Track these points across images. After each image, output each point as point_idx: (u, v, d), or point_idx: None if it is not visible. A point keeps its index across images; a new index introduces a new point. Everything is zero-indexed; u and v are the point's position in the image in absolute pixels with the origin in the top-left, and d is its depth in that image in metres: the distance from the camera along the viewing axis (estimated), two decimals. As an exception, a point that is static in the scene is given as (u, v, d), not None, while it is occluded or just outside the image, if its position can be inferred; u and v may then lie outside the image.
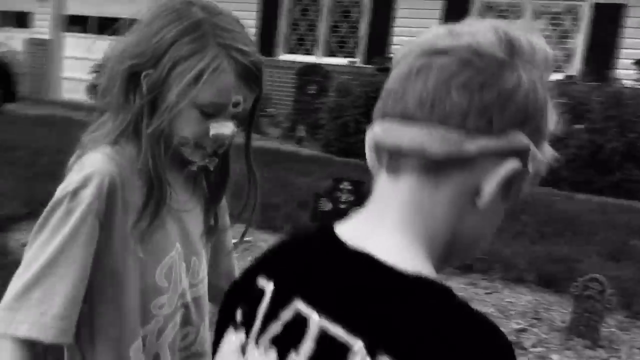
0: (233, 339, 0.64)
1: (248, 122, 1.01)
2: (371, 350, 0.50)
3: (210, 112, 0.91)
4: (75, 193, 0.87)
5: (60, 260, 0.84)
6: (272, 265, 0.65)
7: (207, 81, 0.88)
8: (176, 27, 0.88)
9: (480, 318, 0.53)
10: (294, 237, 0.72)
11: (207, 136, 0.92)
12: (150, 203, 0.91)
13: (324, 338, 0.53)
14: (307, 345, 0.54)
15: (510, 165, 0.56)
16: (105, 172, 0.89)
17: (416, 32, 0.70)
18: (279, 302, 0.59)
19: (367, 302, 0.54)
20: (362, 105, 7.44)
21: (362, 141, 0.63)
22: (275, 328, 0.58)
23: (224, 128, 0.92)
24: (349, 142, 7.43)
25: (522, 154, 0.56)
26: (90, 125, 0.97)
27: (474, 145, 0.54)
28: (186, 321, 1.05)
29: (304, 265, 0.61)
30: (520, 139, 0.56)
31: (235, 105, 0.92)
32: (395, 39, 8.81)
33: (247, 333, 0.61)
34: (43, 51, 11.86)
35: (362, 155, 0.66)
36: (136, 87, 0.90)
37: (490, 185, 0.56)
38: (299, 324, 0.56)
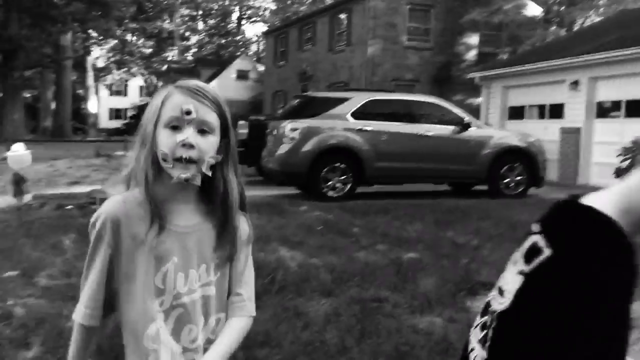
0: None
1: (224, 136, 1.31)
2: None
3: (175, 125, 1.24)
4: (93, 225, 1.31)
5: (87, 270, 1.32)
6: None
7: (163, 105, 1.27)
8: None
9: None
10: None
11: (178, 146, 1.23)
12: (152, 228, 1.27)
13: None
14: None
15: None
16: (110, 213, 1.29)
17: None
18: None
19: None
20: None
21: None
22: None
23: (186, 133, 1.23)
24: None
25: None
26: None
27: None
28: (187, 319, 1.32)
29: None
30: None
31: (188, 113, 1.23)
32: None
33: None
34: (574, 138, 12.76)
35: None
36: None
37: None
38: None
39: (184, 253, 1.31)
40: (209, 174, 1.29)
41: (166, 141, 1.24)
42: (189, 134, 1.24)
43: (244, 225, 1.41)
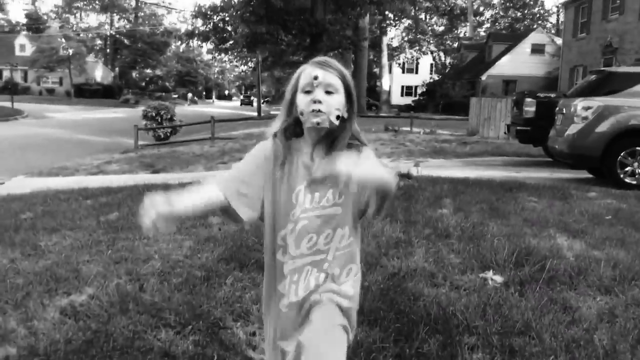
0: None
1: (348, 99, 1.75)
2: None
3: (308, 90, 1.71)
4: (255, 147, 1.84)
5: (240, 165, 1.80)
6: None
7: (299, 77, 1.75)
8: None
9: None
10: None
11: (310, 102, 1.69)
12: (285, 161, 1.76)
13: None
14: None
15: None
16: (266, 144, 1.80)
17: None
18: None
19: None
20: None
21: None
22: None
23: (316, 94, 1.69)
24: None
25: None
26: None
27: None
28: (308, 229, 1.74)
29: None
30: None
31: (316, 78, 1.69)
32: None
33: None
34: None
35: None
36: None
37: None
38: None
39: (312, 181, 1.73)
40: (336, 123, 1.71)
41: (302, 101, 1.71)
42: (318, 93, 1.69)
43: (368, 152, 1.76)
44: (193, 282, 3.66)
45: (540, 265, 3.89)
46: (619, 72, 9.42)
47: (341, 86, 1.72)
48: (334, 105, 1.69)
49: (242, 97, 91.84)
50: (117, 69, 75.23)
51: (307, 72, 1.72)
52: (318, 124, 1.67)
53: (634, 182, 8.27)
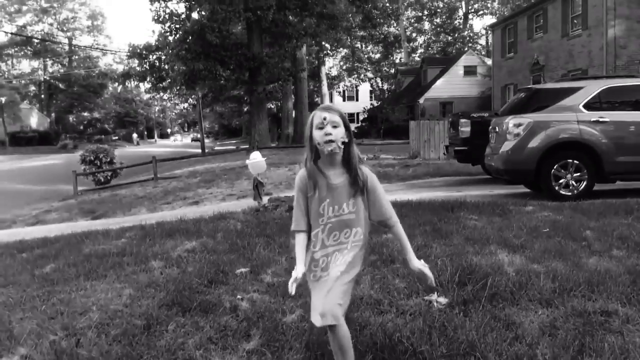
0: None
1: (347, 130, 2.54)
2: None
3: (320, 126, 2.49)
4: (296, 182, 2.66)
5: (294, 204, 2.65)
6: None
7: (313, 118, 2.55)
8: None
9: None
10: None
11: (324, 136, 2.47)
12: (316, 184, 2.58)
13: None
14: None
15: None
16: (302, 174, 2.61)
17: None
18: None
19: None
20: None
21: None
22: None
23: (326, 129, 2.48)
24: None
25: None
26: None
27: None
28: (333, 229, 2.59)
29: None
30: None
31: (324, 118, 2.48)
32: None
33: None
34: None
35: None
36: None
37: None
38: None
39: (334, 195, 2.58)
40: (342, 147, 2.52)
41: (317, 135, 2.50)
42: (328, 128, 2.49)
43: (366, 170, 2.63)
44: (133, 332, 3.51)
45: (482, 283, 3.94)
46: (546, 89, 9.81)
47: (341, 122, 2.51)
48: (339, 135, 2.49)
49: (192, 134, 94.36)
50: (53, 114, 73.32)
51: (317, 115, 2.52)
52: (332, 149, 2.48)
53: (569, 194, 8.57)
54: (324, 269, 2.56)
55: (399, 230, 2.63)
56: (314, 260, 2.58)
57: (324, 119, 2.46)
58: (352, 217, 2.59)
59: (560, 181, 8.68)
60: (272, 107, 52.84)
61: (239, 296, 4.12)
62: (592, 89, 8.88)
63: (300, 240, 2.58)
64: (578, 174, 8.66)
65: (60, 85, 72.22)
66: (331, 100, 51.16)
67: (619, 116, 8.69)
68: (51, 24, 74.92)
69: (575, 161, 8.64)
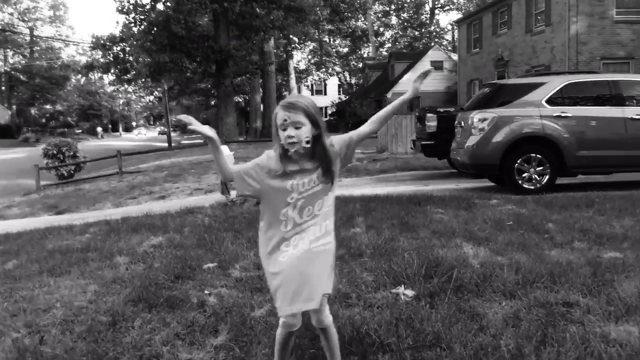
0: None
1: (314, 125, 2.39)
2: None
3: (283, 127, 2.37)
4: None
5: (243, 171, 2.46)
6: None
7: (275, 117, 2.40)
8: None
9: None
10: None
11: (286, 137, 2.35)
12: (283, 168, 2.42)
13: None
14: None
15: None
16: (272, 154, 2.45)
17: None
18: None
19: None
20: None
21: None
22: None
23: (288, 131, 2.35)
24: None
25: None
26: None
27: None
28: (305, 204, 2.43)
29: None
30: None
31: (284, 120, 2.36)
32: None
33: None
34: None
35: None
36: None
37: None
38: None
39: (304, 173, 2.45)
40: (308, 145, 2.39)
41: (282, 135, 2.39)
42: (289, 130, 2.37)
43: (334, 140, 2.51)
44: (98, 328, 3.46)
45: (448, 276, 4.00)
46: (510, 84, 9.99)
47: (305, 119, 2.38)
48: (302, 135, 2.37)
49: (159, 127, 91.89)
50: (14, 106, 71.35)
51: (280, 115, 2.39)
52: (295, 150, 2.39)
53: (532, 187, 8.75)
54: (296, 246, 2.47)
55: (373, 119, 2.58)
56: (284, 240, 2.47)
57: (285, 120, 2.35)
58: (323, 187, 2.48)
59: (524, 175, 8.86)
60: (240, 100, 52.47)
61: (206, 291, 4.10)
62: (555, 84, 9.08)
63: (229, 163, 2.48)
64: (541, 168, 8.86)
65: (22, 76, 70.41)
66: (299, 94, 50.99)
67: (581, 111, 8.91)
68: (11, 14, 73.02)
69: (538, 155, 8.83)
